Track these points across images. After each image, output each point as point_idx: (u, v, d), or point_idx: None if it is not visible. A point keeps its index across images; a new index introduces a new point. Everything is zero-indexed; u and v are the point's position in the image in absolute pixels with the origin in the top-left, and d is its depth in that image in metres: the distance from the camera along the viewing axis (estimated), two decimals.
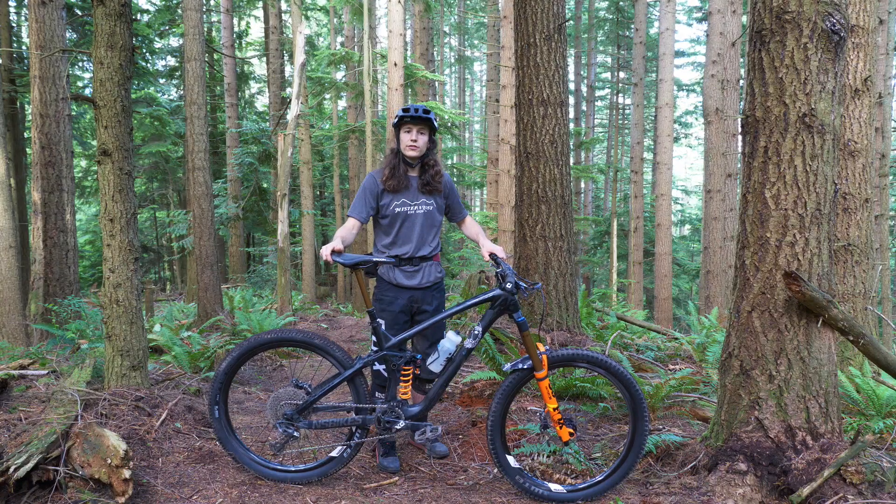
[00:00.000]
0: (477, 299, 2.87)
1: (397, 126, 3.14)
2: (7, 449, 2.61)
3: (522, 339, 2.77)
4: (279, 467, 2.95)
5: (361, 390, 2.91)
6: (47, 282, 7.12)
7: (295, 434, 2.87)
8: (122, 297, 3.40)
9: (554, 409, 2.79)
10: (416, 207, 3.15)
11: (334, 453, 2.93)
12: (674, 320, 15.30)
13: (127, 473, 2.49)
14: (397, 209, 3.13)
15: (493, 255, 2.96)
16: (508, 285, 2.78)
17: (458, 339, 2.92)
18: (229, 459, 3.07)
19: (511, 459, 2.80)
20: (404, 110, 3.05)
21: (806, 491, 2.43)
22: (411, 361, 2.92)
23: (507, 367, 2.80)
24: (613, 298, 15.55)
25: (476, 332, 2.85)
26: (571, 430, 2.80)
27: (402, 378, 2.96)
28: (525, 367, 2.76)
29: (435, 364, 2.91)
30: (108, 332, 3.42)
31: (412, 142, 3.09)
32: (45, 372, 3.94)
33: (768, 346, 2.69)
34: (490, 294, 2.84)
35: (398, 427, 2.87)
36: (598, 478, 2.80)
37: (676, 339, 6.53)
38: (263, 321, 7.56)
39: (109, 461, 2.52)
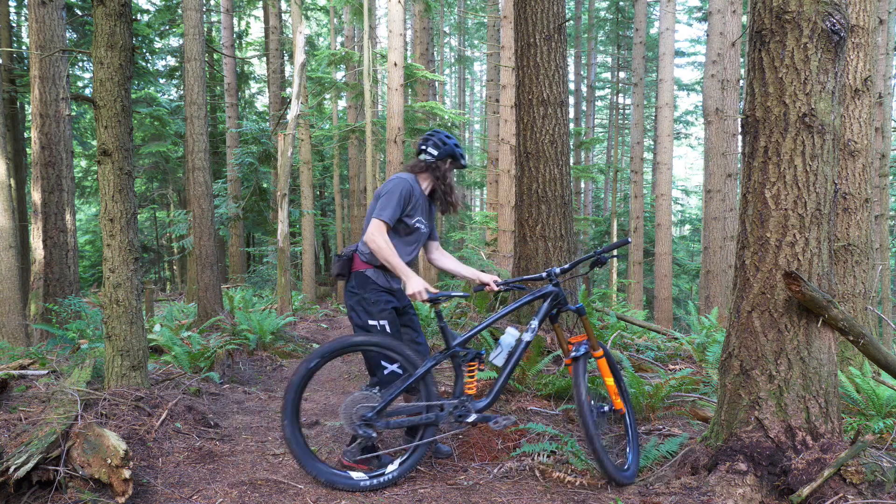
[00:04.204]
0: (528, 298, 3.17)
1: (449, 163, 3.28)
2: (7, 449, 2.61)
3: (582, 323, 3.12)
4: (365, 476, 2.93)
5: (431, 388, 3.02)
6: (47, 282, 7.13)
7: (373, 434, 2.95)
8: (122, 297, 3.40)
9: (611, 384, 3.12)
10: (424, 227, 3.33)
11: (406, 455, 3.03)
12: (674, 320, 15.30)
13: (127, 473, 2.50)
14: (417, 224, 3.26)
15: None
16: (552, 286, 3.07)
17: (518, 333, 3.10)
18: (229, 459, 3.07)
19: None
20: (461, 156, 3.25)
21: (806, 491, 2.43)
22: (476, 357, 3.08)
23: (571, 355, 3.05)
24: (613, 298, 15.53)
25: (532, 327, 3.09)
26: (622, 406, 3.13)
27: (467, 374, 3.10)
28: (582, 352, 3.04)
29: (498, 358, 3.09)
30: (108, 332, 3.42)
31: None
32: (45, 372, 3.94)
33: (768, 346, 2.69)
34: (542, 292, 3.11)
35: (469, 420, 3.01)
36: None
37: (676, 339, 6.52)
38: (263, 321, 7.55)
39: (109, 461, 2.52)
